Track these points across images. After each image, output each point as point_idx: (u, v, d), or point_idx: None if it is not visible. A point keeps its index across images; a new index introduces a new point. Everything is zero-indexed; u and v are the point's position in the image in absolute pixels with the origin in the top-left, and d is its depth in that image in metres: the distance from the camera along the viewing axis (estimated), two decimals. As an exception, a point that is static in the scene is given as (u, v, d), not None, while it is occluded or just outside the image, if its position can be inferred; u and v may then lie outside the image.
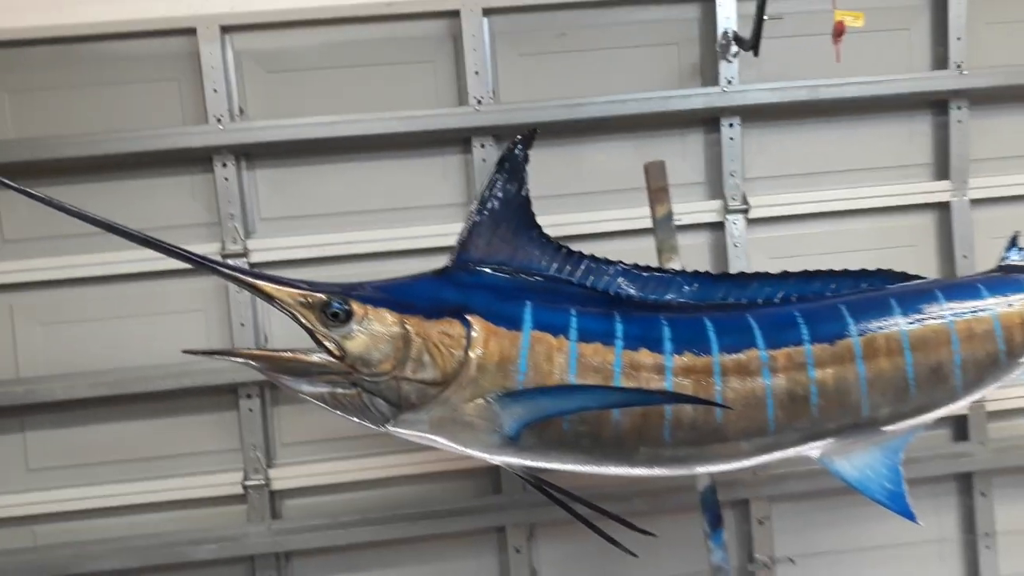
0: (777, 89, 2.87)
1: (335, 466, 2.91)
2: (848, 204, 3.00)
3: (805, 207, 2.99)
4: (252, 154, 2.88)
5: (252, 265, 2.82)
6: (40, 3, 2.72)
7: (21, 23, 2.72)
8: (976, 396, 2.16)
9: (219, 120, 2.79)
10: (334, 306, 1.86)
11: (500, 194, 2.02)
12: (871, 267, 2.22)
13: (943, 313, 2.10)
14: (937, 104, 3.04)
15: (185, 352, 1.98)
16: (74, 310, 2.85)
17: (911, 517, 2.05)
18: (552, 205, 2.74)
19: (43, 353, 2.85)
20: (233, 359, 1.92)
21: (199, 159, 2.83)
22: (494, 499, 2.93)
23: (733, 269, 2.90)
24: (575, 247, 2.08)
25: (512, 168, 2.03)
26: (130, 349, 2.85)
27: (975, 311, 2.13)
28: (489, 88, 2.86)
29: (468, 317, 1.90)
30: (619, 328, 1.95)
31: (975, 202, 3.03)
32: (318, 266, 2.84)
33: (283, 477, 2.90)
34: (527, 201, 2.05)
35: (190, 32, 2.78)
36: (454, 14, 2.84)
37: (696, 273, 2.14)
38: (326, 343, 1.86)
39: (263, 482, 2.86)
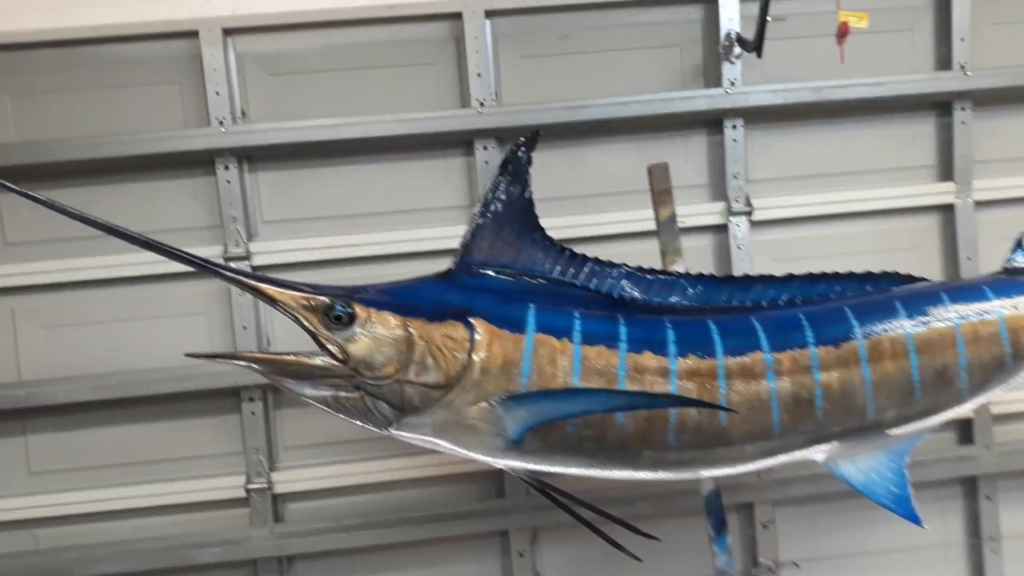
0: (780, 91, 2.86)
1: (338, 469, 2.90)
2: (852, 206, 2.99)
3: (809, 209, 2.99)
4: (254, 157, 2.87)
5: (254, 268, 2.81)
6: (42, 6, 2.72)
7: (23, 26, 2.72)
8: (982, 399, 2.15)
9: (221, 123, 2.78)
10: (337, 309, 1.86)
11: (503, 196, 2.01)
12: (875, 269, 2.21)
13: (948, 316, 2.09)
14: (941, 105, 3.03)
15: (187, 355, 1.97)
16: (76, 313, 2.85)
17: (917, 521, 2.04)
18: (555, 207, 2.74)
19: (45, 356, 2.85)
20: (236, 362, 1.91)
21: (201, 162, 2.83)
22: (497, 503, 2.92)
23: (737, 271, 2.90)
24: (578, 249, 2.08)
25: (515, 170, 2.02)
26: (132, 352, 2.85)
27: (980, 314, 2.11)
28: (492, 90, 2.85)
29: (471, 320, 1.90)
30: (623, 331, 1.94)
31: (979, 204, 3.02)
32: (321, 269, 2.84)
33: (286, 480, 2.89)
34: (530, 203, 2.04)
35: (192, 35, 2.78)
36: (456, 16, 2.84)
37: (700, 276, 2.13)
38: (329, 346, 1.85)
39: (266, 485, 2.86)
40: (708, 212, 2.95)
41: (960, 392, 2.10)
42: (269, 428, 2.90)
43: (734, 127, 2.92)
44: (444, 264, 2.05)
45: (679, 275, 2.13)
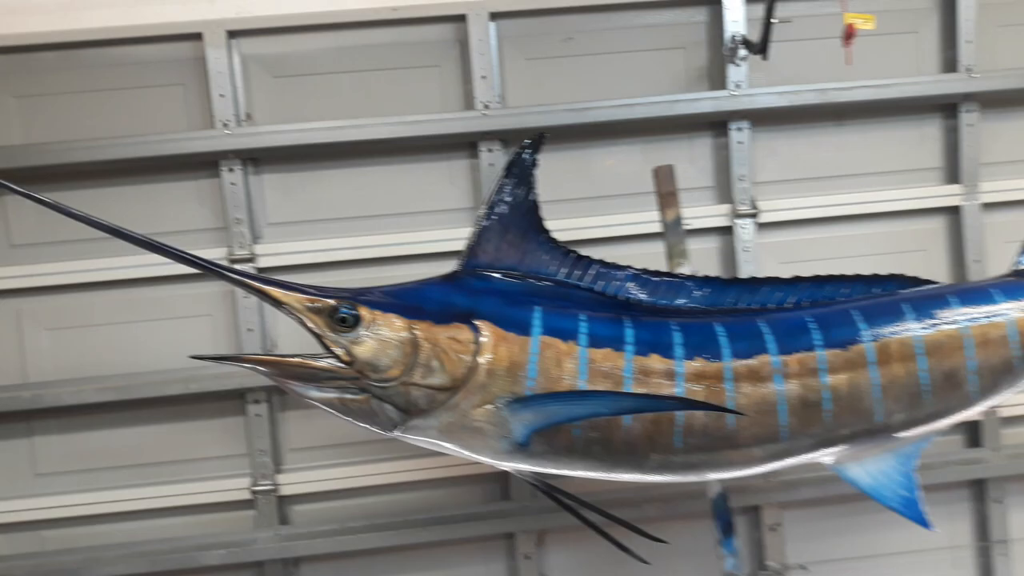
0: (786, 93, 2.86)
1: (343, 471, 2.90)
2: (858, 208, 2.98)
3: (815, 211, 2.98)
4: (259, 159, 2.87)
5: (259, 270, 2.81)
6: (47, 8, 2.73)
7: (28, 28, 2.73)
8: (991, 402, 2.13)
9: (226, 125, 2.78)
10: (342, 311, 1.86)
11: (508, 198, 2.02)
12: (882, 272, 2.20)
13: (957, 318, 2.08)
14: (947, 107, 3.02)
15: (193, 357, 1.98)
16: (81, 315, 2.85)
17: (925, 524, 2.03)
18: (560, 209, 2.72)
19: (50, 358, 2.85)
20: (241, 364, 1.91)
21: (206, 164, 2.83)
22: (503, 505, 2.92)
23: (743, 274, 2.89)
24: (584, 252, 2.07)
25: (520, 172, 2.02)
26: (137, 354, 2.85)
27: (989, 316, 2.10)
28: (496, 92, 2.85)
29: (477, 322, 1.89)
30: (629, 333, 1.93)
31: (986, 206, 3.01)
32: (325, 271, 2.84)
33: (291, 482, 2.89)
34: (535, 205, 2.04)
35: (196, 37, 2.78)
36: (461, 19, 2.84)
37: (706, 278, 2.12)
38: (334, 348, 1.85)
39: (271, 487, 2.86)
40: (714, 214, 2.95)
41: (968, 395, 2.09)
42: (274, 430, 2.90)
43: (739, 129, 2.91)
44: (449, 266, 2.05)
45: (685, 277, 2.13)
